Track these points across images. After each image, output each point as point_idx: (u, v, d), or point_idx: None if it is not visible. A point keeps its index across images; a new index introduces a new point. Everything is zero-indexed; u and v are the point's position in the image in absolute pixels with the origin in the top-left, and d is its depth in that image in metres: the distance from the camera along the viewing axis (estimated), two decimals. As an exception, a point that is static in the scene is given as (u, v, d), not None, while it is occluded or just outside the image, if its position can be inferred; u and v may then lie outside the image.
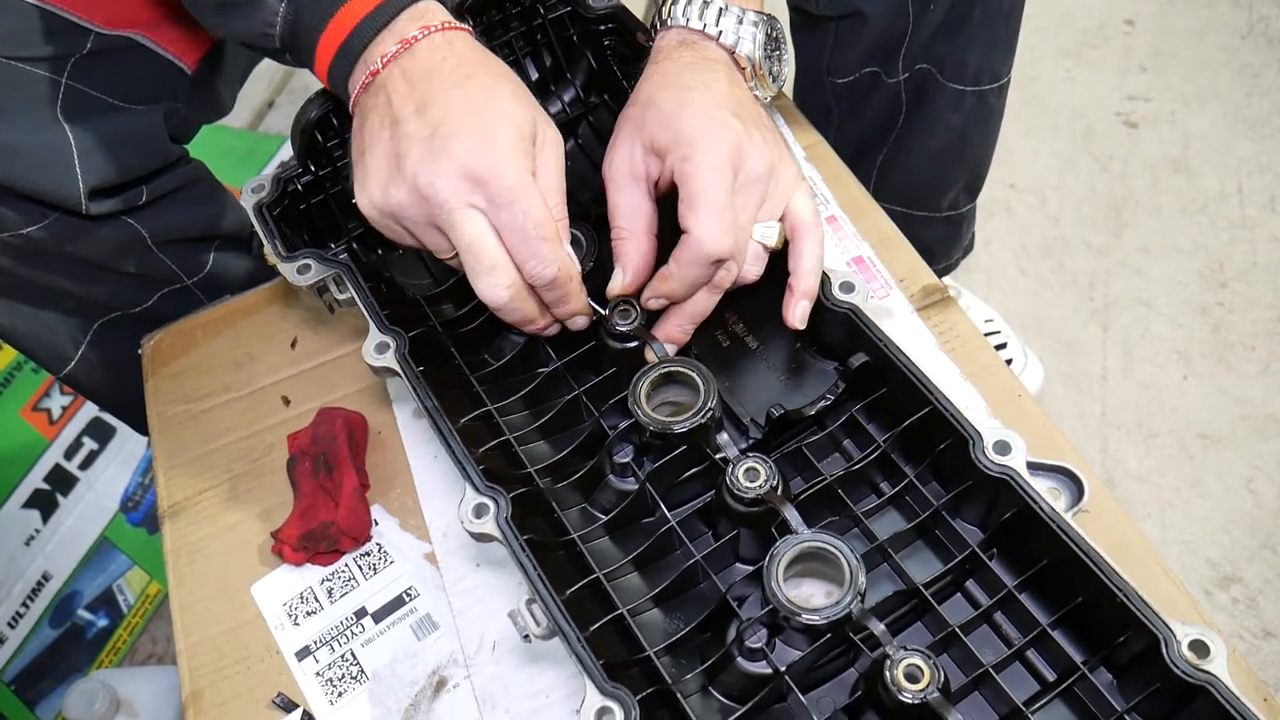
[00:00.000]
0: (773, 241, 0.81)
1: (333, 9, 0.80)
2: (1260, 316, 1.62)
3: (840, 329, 0.82)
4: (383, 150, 0.77)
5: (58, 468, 1.82)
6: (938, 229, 1.35)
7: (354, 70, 0.81)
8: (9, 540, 1.74)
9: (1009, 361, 1.53)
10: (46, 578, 1.73)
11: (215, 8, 0.84)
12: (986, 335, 1.56)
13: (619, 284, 0.82)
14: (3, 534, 1.75)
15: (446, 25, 0.80)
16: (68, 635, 1.68)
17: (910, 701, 0.66)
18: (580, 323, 0.84)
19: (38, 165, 0.93)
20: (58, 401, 1.88)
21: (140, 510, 1.80)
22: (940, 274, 1.49)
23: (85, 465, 1.84)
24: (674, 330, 0.84)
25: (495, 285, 0.77)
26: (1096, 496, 0.83)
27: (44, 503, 1.79)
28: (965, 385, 0.92)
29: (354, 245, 0.98)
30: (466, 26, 0.82)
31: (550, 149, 0.80)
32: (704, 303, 0.83)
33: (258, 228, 0.91)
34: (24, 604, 1.70)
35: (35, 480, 1.80)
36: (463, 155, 0.74)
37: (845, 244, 1.04)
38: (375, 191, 0.78)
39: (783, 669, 0.71)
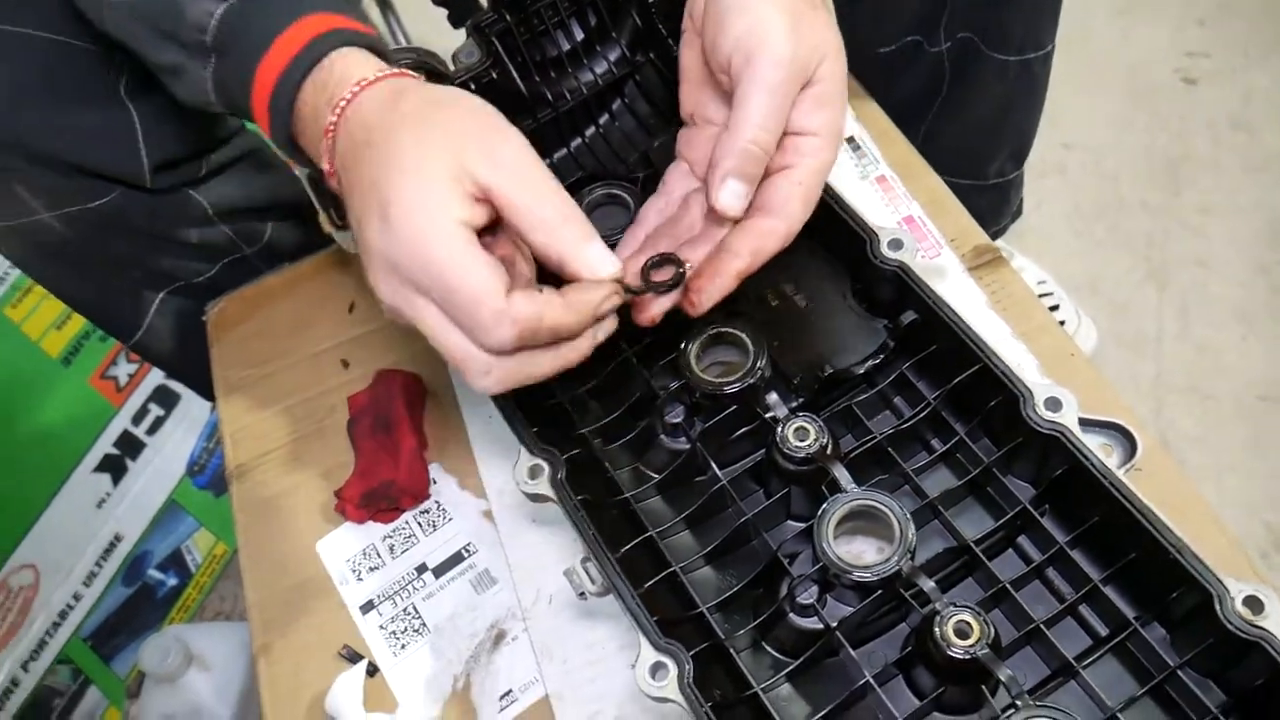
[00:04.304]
0: None
1: (250, 75, 0.73)
2: (1324, 276, 1.59)
3: (889, 286, 0.82)
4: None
5: (126, 433, 1.88)
6: (985, 197, 1.34)
7: (299, 131, 0.74)
8: (82, 503, 1.81)
9: (1061, 323, 1.51)
10: (118, 539, 1.79)
11: (163, 74, 0.81)
12: (1041, 296, 1.55)
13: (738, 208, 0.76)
14: (76, 497, 1.81)
15: (354, 91, 0.70)
16: (140, 594, 1.75)
17: (960, 656, 0.67)
18: (608, 327, 0.73)
19: (105, 145, 0.96)
20: (124, 369, 1.94)
21: (205, 474, 1.86)
22: (993, 237, 1.49)
23: (152, 431, 1.89)
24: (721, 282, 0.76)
25: (477, 377, 0.69)
26: (1151, 455, 0.83)
27: (114, 467, 1.85)
28: (1016, 344, 0.91)
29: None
30: (382, 74, 0.71)
31: (509, 161, 0.68)
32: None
33: (313, 197, 0.93)
34: (97, 564, 1.77)
35: (105, 446, 1.86)
36: (379, 250, 0.66)
37: (896, 203, 1.03)
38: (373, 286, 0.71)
39: (834, 624, 0.72)
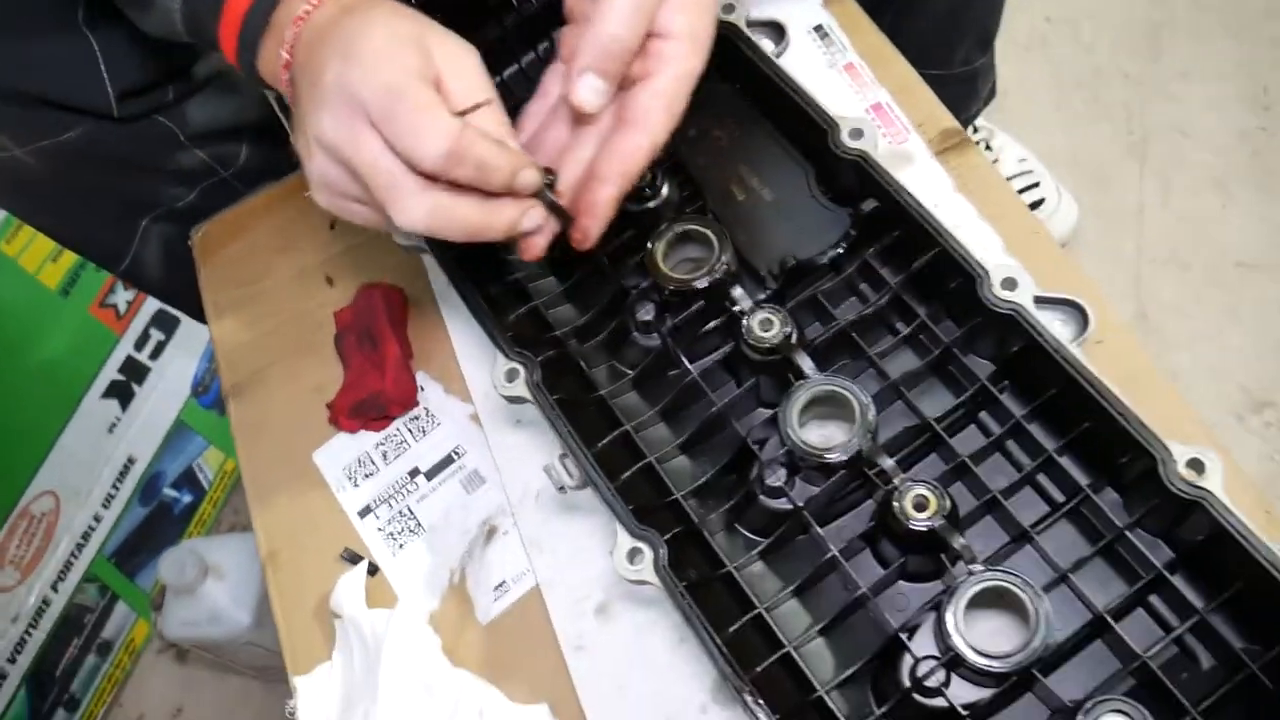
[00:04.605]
0: None
1: (220, 4, 0.76)
2: (1305, 138, 1.59)
3: (851, 175, 0.83)
4: (299, 132, 0.75)
5: (130, 359, 1.92)
6: (953, 87, 1.34)
7: (262, 57, 0.77)
8: (94, 429, 1.86)
9: (1041, 201, 1.52)
10: (131, 461, 1.85)
11: (128, 6, 0.83)
12: (1019, 175, 1.56)
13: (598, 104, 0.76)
14: (88, 423, 1.87)
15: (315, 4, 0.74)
16: (157, 512, 1.81)
17: (918, 529, 0.71)
18: (527, 179, 0.74)
19: (67, 76, 0.96)
20: (123, 297, 1.97)
21: (210, 394, 1.90)
22: (965, 125, 1.48)
23: (155, 355, 1.93)
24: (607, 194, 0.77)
25: (406, 199, 0.71)
26: (1114, 330, 0.85)
27: (121, 392, 1.90)
28: (982, 225, 0.93)
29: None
30: None
31: (454, 60, 0.73)
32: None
33: (282, 119, 0.94)
34: (114, 486, 1.83)
35: (111, 372, 1.91)
36: (334, 83, 0.70)
37: (864, 91, 1.04)
38: (308, 173, 0.76)
39: (801, 504, 0.76)
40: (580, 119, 0.78)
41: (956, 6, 1.23)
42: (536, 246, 0.78)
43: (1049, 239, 0.93)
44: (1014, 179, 1.54)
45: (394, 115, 0.69)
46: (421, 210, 0.71)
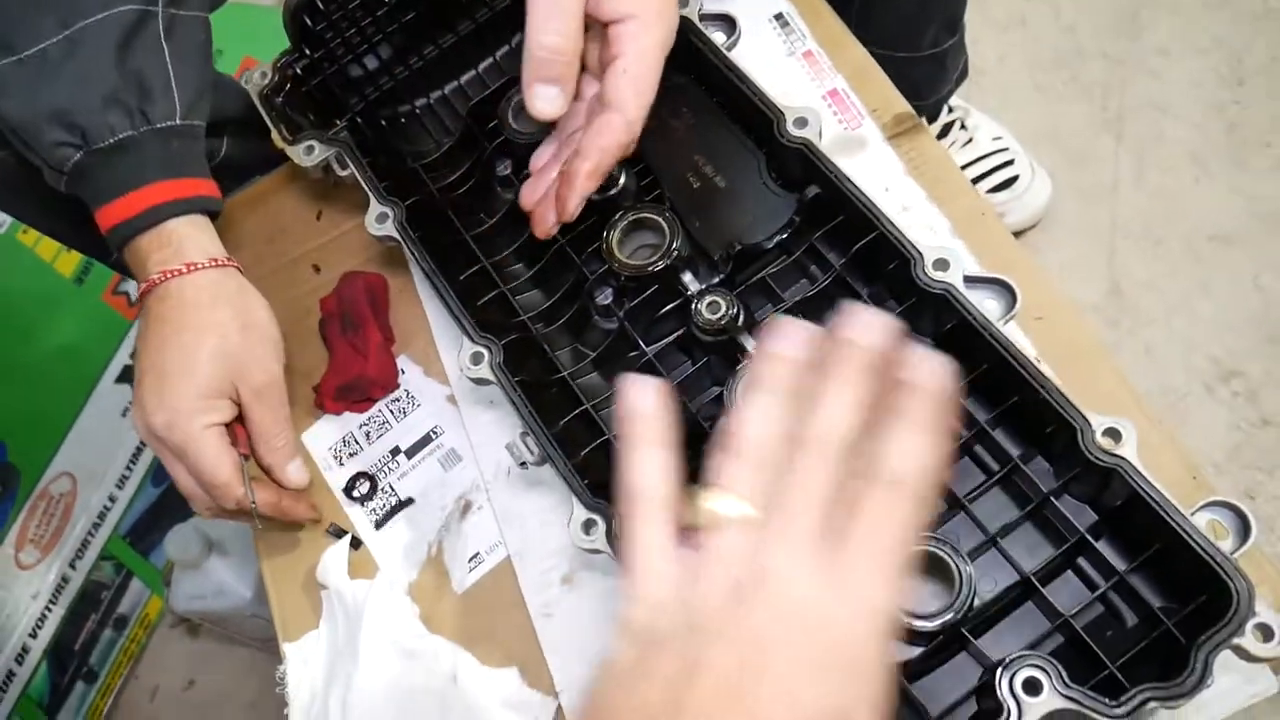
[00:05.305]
0: None
1: (96, 205, 0.91)
2: (1278, 112, 1.60)
3: (796, 163, 0.87)
4: (137, 367, 0.92)
5: (142, 345, 1.97)
6: (923, 67, 1.37)
7: (122, 250, 0.93)
8: (108, 413, 1.93)
9: (1015, 178, 1.55)
10: (143, 444, 1.91)
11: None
12: (994, 153, 1.59)
13: (555, 109, 0.83)
14: (102, 408, 1.93)
15: (182, 270, 0.90)
16: (168, 492, 1.88)
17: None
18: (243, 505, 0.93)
19: None
20: (134, 285, 2.02)
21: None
22: (936, 106, 1.51)
23: (165, 341, 1.99)
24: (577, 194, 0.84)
25: (199, 508, 0.94)
26: (1054, 307, 0.89)
27: (133, 377, 1.95)
28: (930, 208, 0.97)
29: (357, 120, 1.05)
30: (209, 261, 0.91)
31: (258, 396, 0.91)
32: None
33: (264, 115, 0.99)
34: (127, 468, 1.90)
35: (123, 358, 1.97)
36: (152, 413, 0.88)
37: (821, 78, 1.07)
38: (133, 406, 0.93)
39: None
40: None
41: None
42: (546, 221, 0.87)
43: (996, 220, 0.96)
44: (988, 157, 1.57)
45: (199, 473, 0.90)
46: (211, 515, 0.95)
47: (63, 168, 0.90)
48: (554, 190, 0.85)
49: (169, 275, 0.89)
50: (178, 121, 0.91)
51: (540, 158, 0.90)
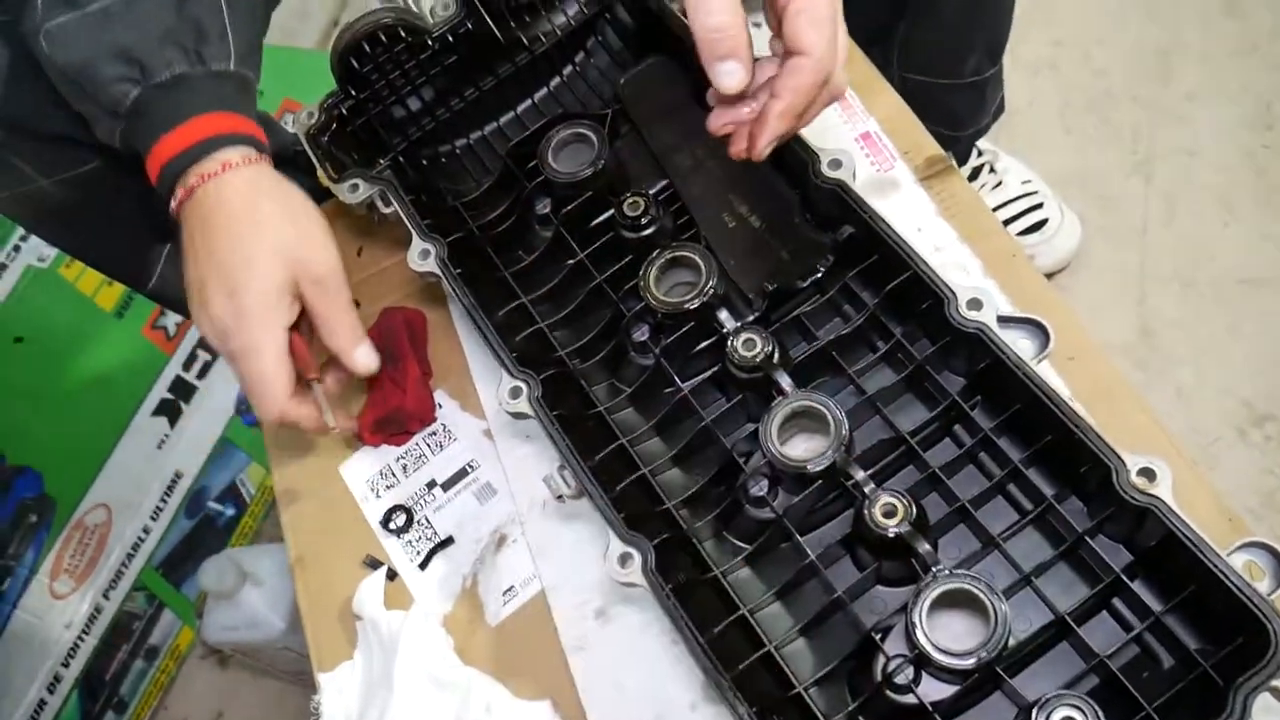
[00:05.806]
0: None
1: (148, 148, 0.91)
2: (1309, 157, 1.61)
3: (830, 203, 0.89)
4: (188, 277, 0.92)
5: (178, 379, 2.01)
6: (963, 95, 1.38)
7: (173, 188, 0.92)
8: (144, 445, 1.95)
9: (1045, 221, 1.56)
10: (179, 476, 1.94)
11: (81, 110, 0.96)
12: (1023, 196, 1.60)
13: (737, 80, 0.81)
14: (138, 440, 1.96)
15: (236, 163, 0.90)
16: (201, 524, 1.90)
17: (886, 534, 0.76)
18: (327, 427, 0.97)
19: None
20: (172, 319, 2.06)
21: (253, 413, 1.98)
22: (973, 139, 1.53)
23: (202, 375, 2.02)
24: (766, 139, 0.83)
25: (259, 411, 0.93)
26: (1086, 348, 0.90)
27: (170, 410, 1.99)
28: (962, 248, 0.98)
29: (400, 159, 1.08)
30: (242, 159, 0.90)
31: (320, 286, 0.91)
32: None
33: (310, 153, 1.02)
34: (162, 499, 1.92)
35: (160, 391, 2.00)
36: (218, 315, 0.89)
37: (854, 121, 1.09)
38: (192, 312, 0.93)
39: (781, 513, 0.81)
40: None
41: (966, 13, 1.28)
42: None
43: (1026, 261, 0.97)
44: (1017, 200, 1.58)
45: (247, 382, 0.91)
46: (267, 417, 0.93)
47: (119, 107, 0.90)
48: (745, 127, 0.84)
49: (206, 178, 0.89)
50: (231, 67, 0.92)
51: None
